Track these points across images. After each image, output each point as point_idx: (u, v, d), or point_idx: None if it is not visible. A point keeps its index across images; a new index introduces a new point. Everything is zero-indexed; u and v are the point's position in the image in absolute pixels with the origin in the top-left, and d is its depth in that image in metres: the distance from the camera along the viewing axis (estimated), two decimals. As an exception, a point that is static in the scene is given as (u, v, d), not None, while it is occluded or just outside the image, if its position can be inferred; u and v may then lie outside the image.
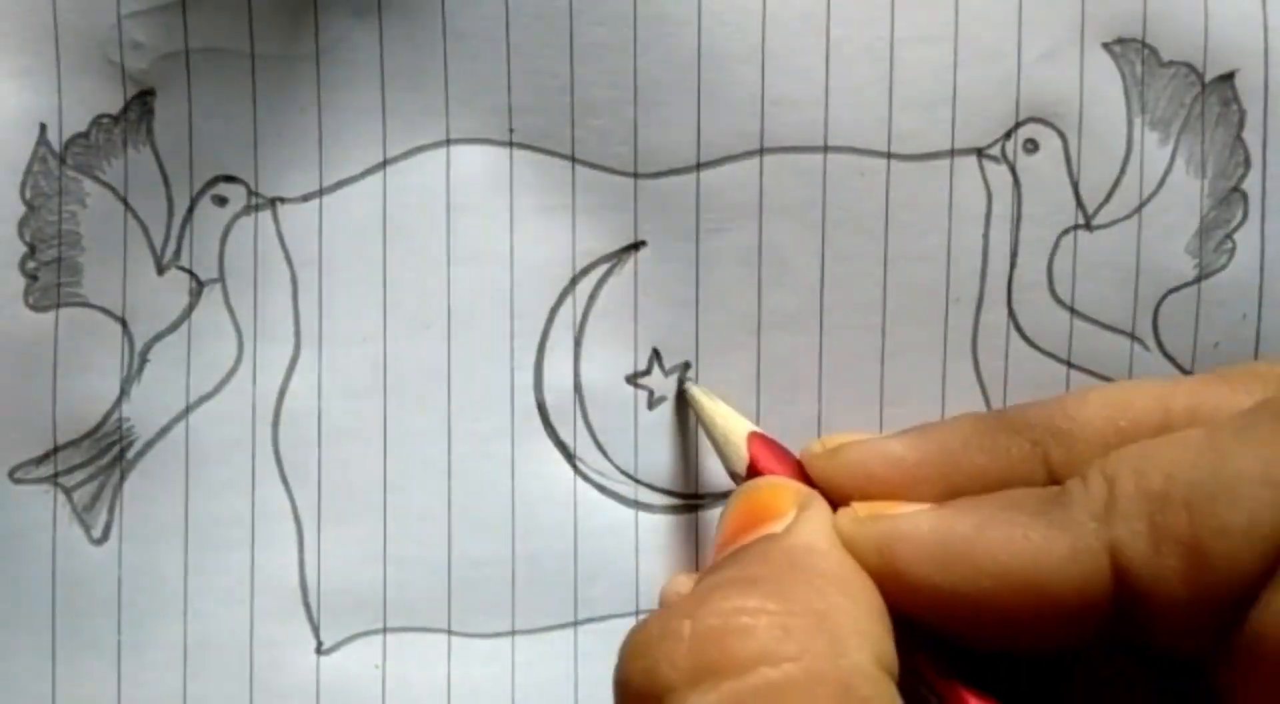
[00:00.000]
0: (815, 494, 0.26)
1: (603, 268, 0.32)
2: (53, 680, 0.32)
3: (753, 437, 0.29)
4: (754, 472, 0.28)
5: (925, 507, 0.24)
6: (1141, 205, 0.32)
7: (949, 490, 0.25)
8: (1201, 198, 0.32)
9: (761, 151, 0.31)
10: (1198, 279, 0.32)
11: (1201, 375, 0.27)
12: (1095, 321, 0.32)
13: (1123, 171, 0.31)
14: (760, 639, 0.20)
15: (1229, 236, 0.32)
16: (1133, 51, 0.31)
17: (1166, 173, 0.31)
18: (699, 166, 0.31)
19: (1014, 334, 0.32)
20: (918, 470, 0.26)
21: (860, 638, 0.21)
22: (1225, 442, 0.22)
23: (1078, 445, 0.25)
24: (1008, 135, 0.31)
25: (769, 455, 0.29)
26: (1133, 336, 0.32)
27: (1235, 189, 0.32)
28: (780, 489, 0.26)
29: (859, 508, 0.25)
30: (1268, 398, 0.23)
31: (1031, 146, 0.31)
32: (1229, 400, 0.24)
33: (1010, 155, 0.31)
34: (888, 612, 0.23)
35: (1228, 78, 0.31)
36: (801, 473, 0.28)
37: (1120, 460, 0.22)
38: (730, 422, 0.30)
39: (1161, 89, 0.31)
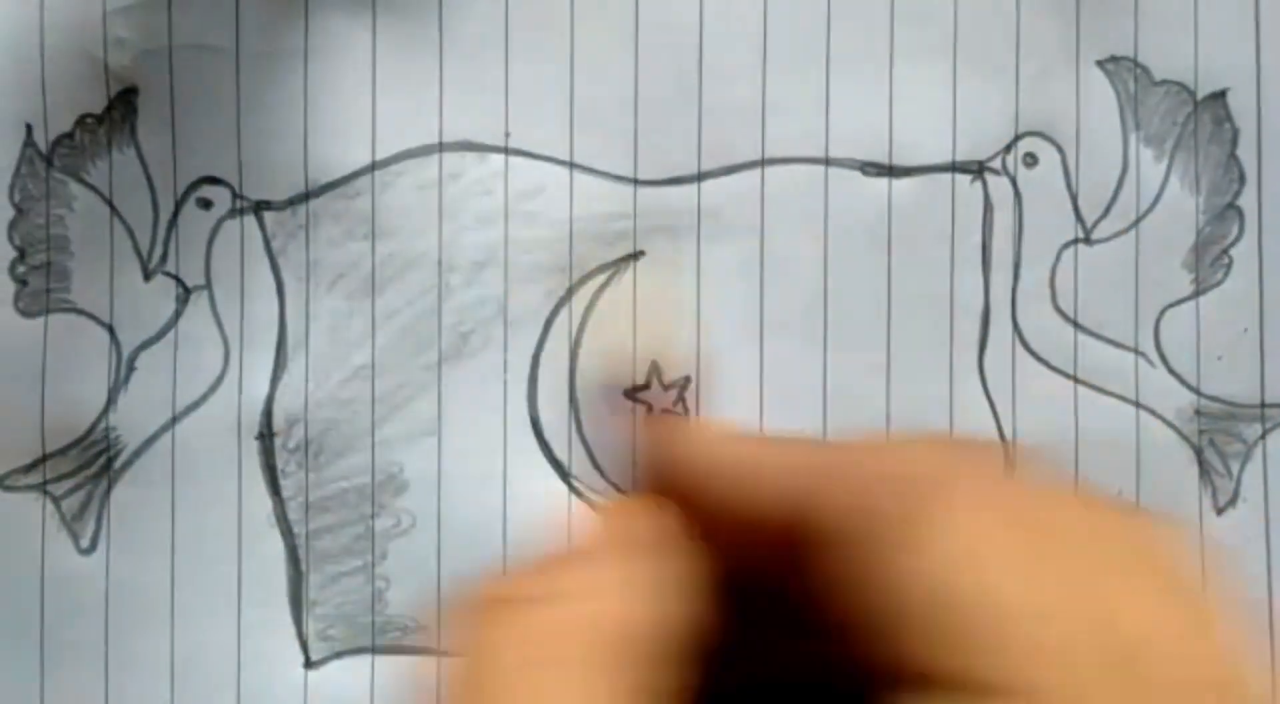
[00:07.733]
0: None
1: (600, 277, 0.31)
2: (41, 690, 0.31)
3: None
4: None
5: None
6: (1139, 220, 0.32)
7: None
8: (1197, 214, 0.32)
9: (763, 162, 0.31)
10: (1195, 294, 0.32)
11: None
12: (1098, 336, 0.32)
13: (1119, 186, 0.32)
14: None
15: (1225, 252, 0.32)
16: (1125, 70, 0.31)
17: (1162, 188, 0.32)
18: (700, 176, 0.31)
19: (1020, 349, 0.31)
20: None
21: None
22: None
23: None
24: (1007, 148, 0.31)
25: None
26: (1137, 351, 0.32)
27: (1230, 205, 0.32)
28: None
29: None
30: None
31: (1031, 160, 0.31)
32: None
33: (1011, 168, 0.31)
34: None
35: (1220, 96, 0.32)
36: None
37: None
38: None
39: (1154, 107, 0.32)
